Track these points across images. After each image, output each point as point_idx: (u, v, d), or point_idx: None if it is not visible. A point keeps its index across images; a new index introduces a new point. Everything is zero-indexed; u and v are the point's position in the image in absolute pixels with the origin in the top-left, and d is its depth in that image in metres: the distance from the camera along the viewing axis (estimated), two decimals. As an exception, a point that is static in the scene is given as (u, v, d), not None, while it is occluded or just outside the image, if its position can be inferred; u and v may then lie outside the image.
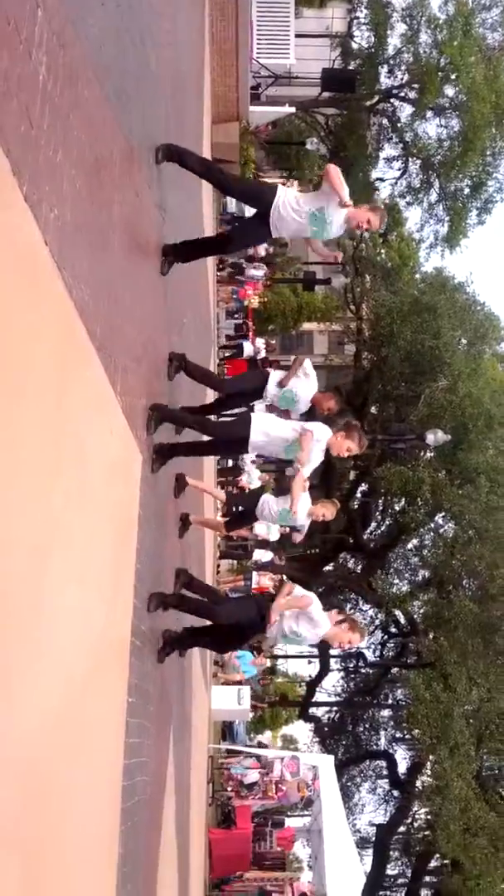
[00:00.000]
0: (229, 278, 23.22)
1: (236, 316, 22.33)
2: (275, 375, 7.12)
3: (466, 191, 28.65)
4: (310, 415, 7.55)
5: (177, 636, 6.44)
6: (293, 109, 26.16)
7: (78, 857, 3.34)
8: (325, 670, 31.92)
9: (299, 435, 6.61)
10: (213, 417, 8.10)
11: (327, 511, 7.59)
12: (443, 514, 24.32)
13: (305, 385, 7.05)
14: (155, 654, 5.88)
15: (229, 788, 17.84)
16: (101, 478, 3.82)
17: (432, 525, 25.46)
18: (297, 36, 25.20)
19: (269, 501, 7.84)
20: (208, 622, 6.89)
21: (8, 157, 2.35)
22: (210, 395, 8.88)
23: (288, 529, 9.29)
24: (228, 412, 8.33)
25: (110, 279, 3.99)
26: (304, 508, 7.63)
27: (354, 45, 29.73)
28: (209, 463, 14.70)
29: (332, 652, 31.47)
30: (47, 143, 2.77)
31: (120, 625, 4.45)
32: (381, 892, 28.25)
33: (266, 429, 6.68)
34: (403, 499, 24.90)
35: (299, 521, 7.61)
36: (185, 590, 6.71)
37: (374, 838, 28.71)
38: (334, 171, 5.85)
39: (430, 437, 20.98)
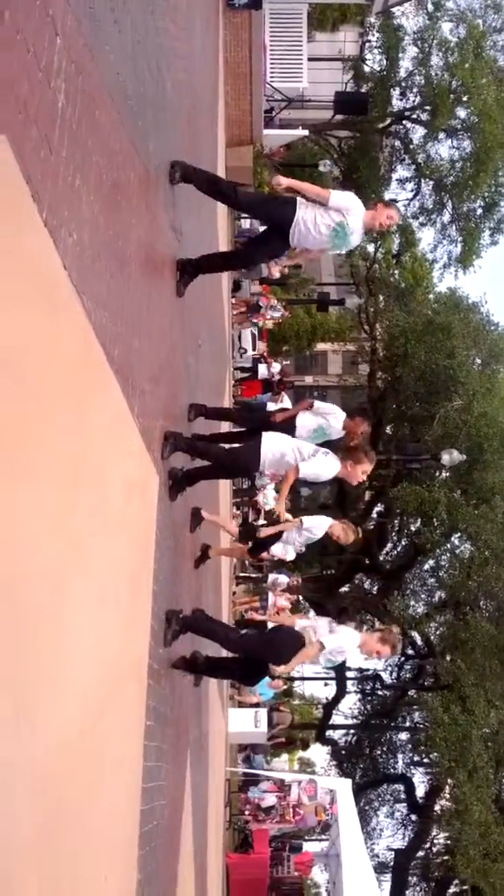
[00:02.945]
0: (246, 309, 23.21)
1: (253, 353, 22.48)
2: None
3: (479, 211, 28.71)
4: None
5: (193, 662, 6.31)
6: (306, 132, 26.34)
7: (97, 882, 3.32)
8: (341, 692, 31.68)
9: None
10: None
11: (342, 534, 7.46)
12: (459, 534, 24.19)
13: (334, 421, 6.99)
14: (171, 678, 5.85)
15: (247, 812, 17.70)
16: (120, 499, 3.83)
17: (448, 545, 25.32)
18: (310, 59, 25.37)
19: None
20: (227, 654, 6.85)
21: (28, 184, 2.38)
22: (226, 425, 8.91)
23: (304, 549, 9.22)
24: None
25: (128, 302, 4.02)
26: (321, 524, 7.60)
27: (366, 69, 29.91)
28: (224, 487, 14.68)
29: (349, 674, 31.29)
30: (66, 169, 2.80)
31: (138, 646, 4.44)
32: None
33: (279, 444, 6.62)
34: (419, 519, 24.79)
35: (315, 531, 7.59)
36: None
37: (392, 863, 28.37)
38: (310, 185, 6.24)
39: (446, 457, 20.90)
